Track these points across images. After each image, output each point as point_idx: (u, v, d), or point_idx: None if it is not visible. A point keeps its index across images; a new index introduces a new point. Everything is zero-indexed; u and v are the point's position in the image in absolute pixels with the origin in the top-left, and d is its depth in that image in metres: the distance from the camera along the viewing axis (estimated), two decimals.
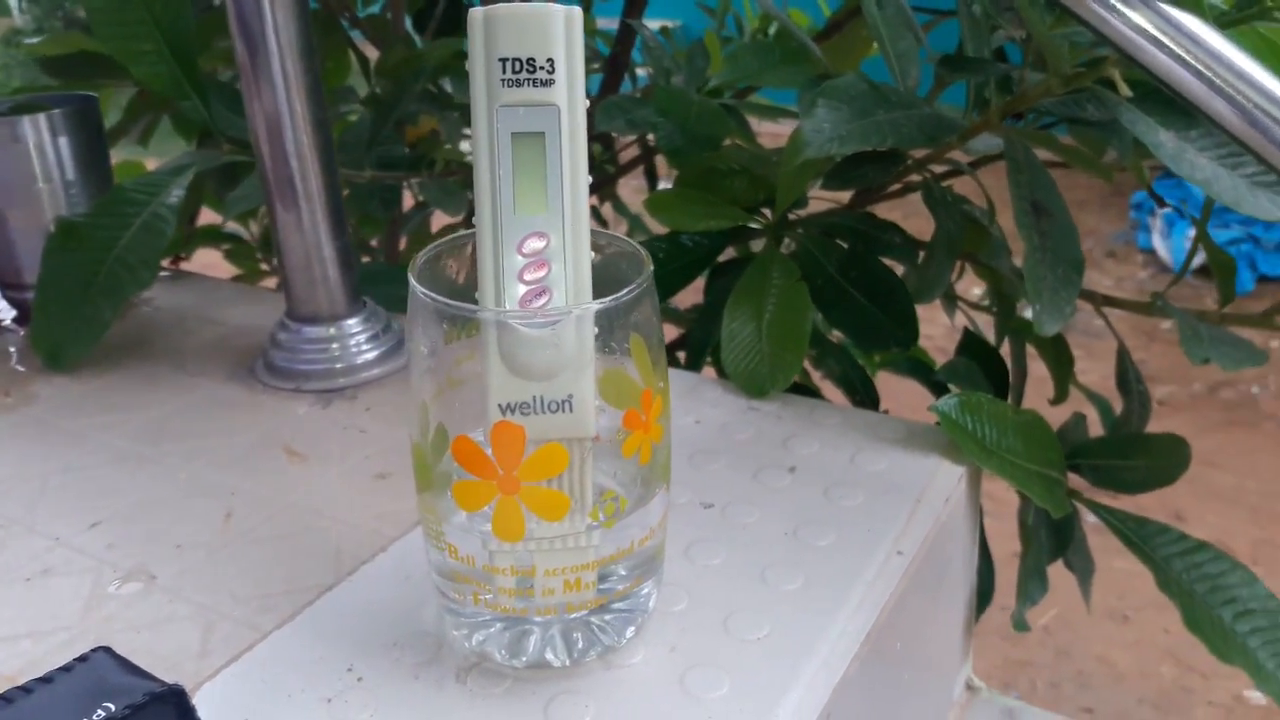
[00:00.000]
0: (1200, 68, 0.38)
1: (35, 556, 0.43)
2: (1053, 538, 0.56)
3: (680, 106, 0.67)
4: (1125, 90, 0.47)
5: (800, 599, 0.39)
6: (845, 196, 0.67)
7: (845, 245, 0.58)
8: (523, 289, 0.34)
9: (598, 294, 0.34)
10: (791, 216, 0.61)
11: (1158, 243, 2.97)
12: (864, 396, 0.60)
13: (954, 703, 0.53)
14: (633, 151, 0.95)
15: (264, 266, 1.16)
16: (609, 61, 0.83)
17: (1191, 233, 2.82)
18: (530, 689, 0.36)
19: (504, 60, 0.33)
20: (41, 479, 0.49)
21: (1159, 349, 2.51)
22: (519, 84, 0.33)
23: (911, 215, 0.65)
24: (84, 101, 0.65)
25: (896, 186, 0.65)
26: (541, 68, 0.33)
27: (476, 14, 0.33)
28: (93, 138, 0.65)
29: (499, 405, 0.34)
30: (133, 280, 0.58)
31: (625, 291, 0.33)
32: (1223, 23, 0.40)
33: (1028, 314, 0.51)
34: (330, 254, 0.56)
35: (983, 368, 0.57)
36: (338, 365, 0.57)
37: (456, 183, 0.74)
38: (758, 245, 0.62)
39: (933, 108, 0.54)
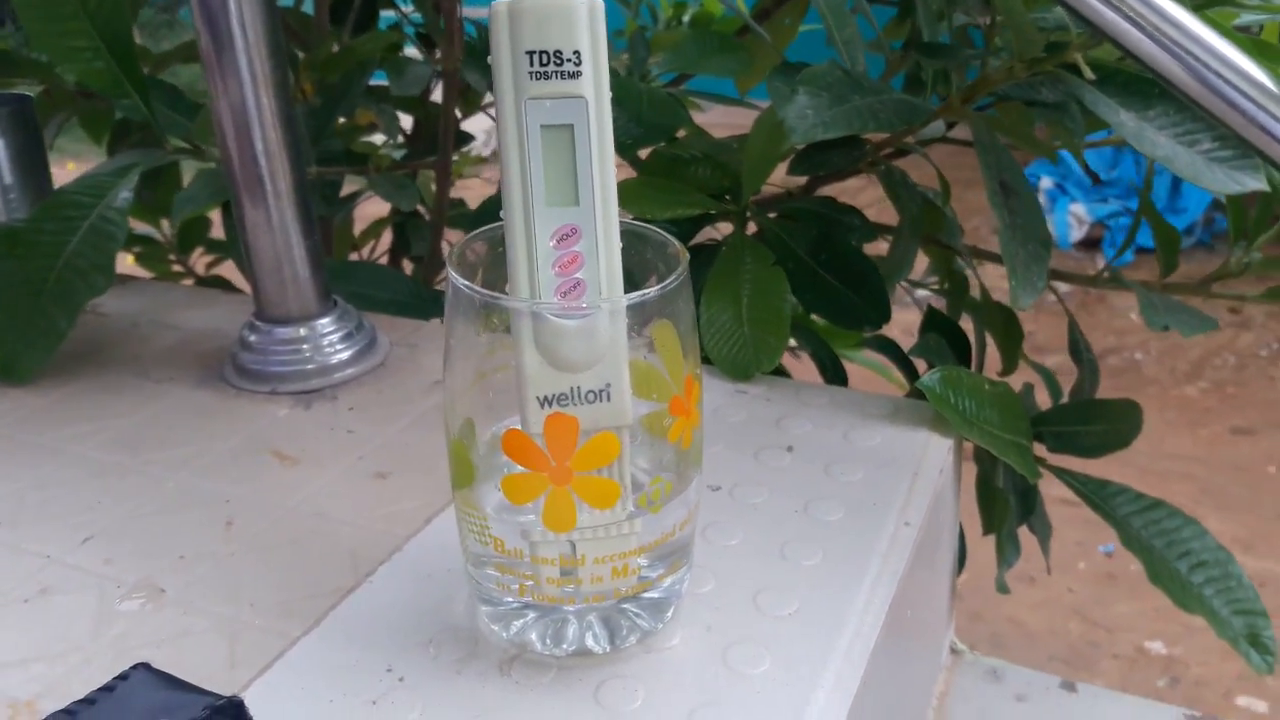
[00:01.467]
0: (1173, 45, 0.40)
1: (29, 576, 0.42)
2: (1021, 504, 0.59)
3: (633, 97, 0.67)
4: (1089, 73, 0.49)
5: (821, 574, 0.41)
6: (786, 181, 0.69)
7: (813, 229, 0.59)
8: (557, 281, 0.34)
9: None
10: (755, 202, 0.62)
11: None
12: (834, 375, 0.61)
13: (942, 666, 0.55)
14: None
15: (178, 268, 1.13)
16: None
17: (1073, 207, 2.94)
18: (576, 676, 0.36)
19: (531, 53, 0.33)
20: (18, 496, 0.47)
21: (1046, 319, 2.62)
22: (547, 76, 0.34)
23: (847, 196, 0.67)
24: (18, 102, 0.62)
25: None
26: (569, 60, 0.34)
27: (500, 7, 0.33)
28: (30, 139, 0.62)
29: (538, 398, 0.34)
30: (86, 286, 0.56)
31: (668, 281, 0.34)
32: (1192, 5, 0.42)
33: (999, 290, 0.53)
34: (301, 253, 0.55)
35: (948, 343, 0.60)
36: (312, 366, 0.56)
37: (407, 176, 0.73)
38: (715, 232, 0.63)
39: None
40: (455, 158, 0.93)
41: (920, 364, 0.65)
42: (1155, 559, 0.57)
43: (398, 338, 0.60)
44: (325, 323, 0.56)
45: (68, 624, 0.39)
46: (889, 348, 0.63)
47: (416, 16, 0.95)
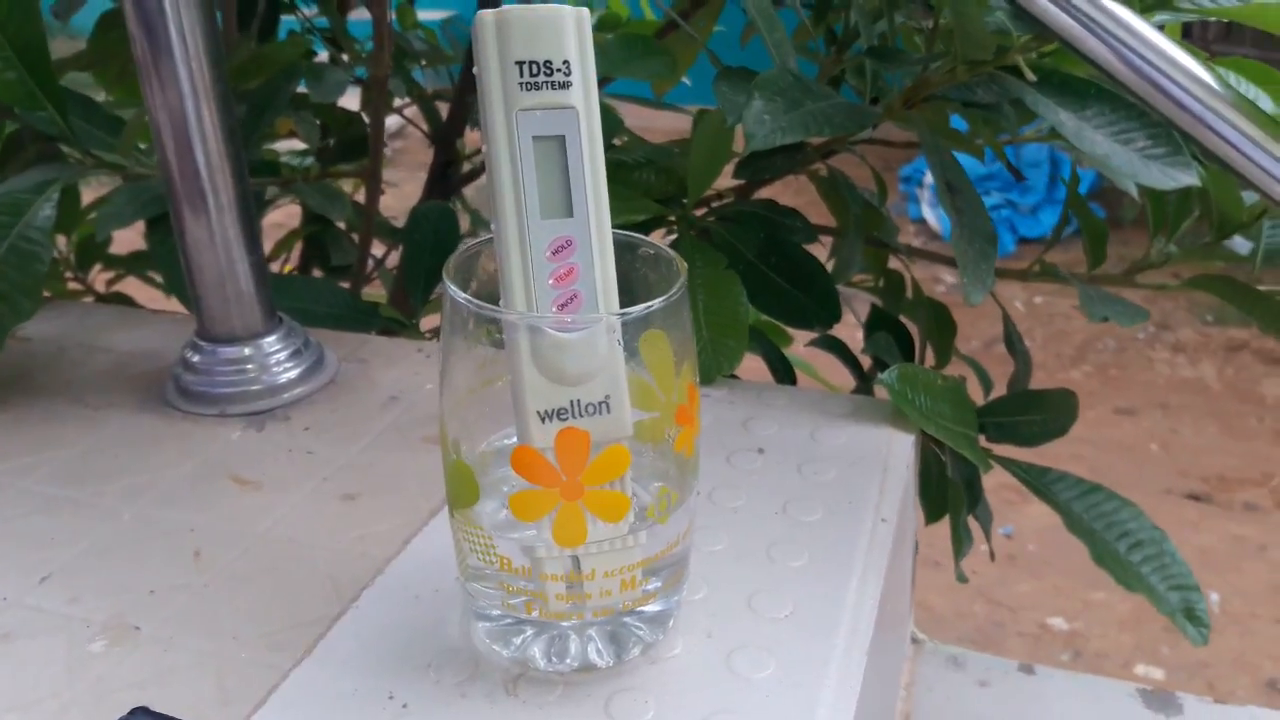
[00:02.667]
0: (1122, 47, 0.42)
1: None
2: (969, 493, 0.61)
3: None
4: (1030, 74, 0.51)
5: (810, 574, 0.41)
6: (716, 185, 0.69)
7: (759, 232, 0.60)
8: (554, 294, 0.34)
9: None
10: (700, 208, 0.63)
11: (926, 213, 3.18)
12: (784, 375, 0.62)
13: (905, 656, 0.56)
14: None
15: (75, 285, 1.08)
16: (468, 53, 0.82)
17: None
18: (584, 692, 0.36)
19: (520, 63, 0.33)
20: None
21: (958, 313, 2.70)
22: (537, 87, 0.33)
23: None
24: None
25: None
26: (559, 70, 0.33)
27: (487, 17, 0.33)
28: None
29: (538, 413, 0.33)
30: (11, 312, 0.54)
31: (672, 292, 0.34)
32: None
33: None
34: (245, 268, 0.53)
35: (895, 340, 0.61)
36: (260, 386, 0.54)
37: (335, 186, 0.72)
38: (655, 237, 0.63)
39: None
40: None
41: (865, 361, 0.66)
42: (1097, 541, 0.59)
43: (344, 353, 0.59)
44: (271, 341, 0.55)
45: (38, 670, 0.37)
46: (836, 346, 0.64)
47: (321, 21, 0.93)
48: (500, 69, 0.33)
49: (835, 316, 0.57)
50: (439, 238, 0.70)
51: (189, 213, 0.51)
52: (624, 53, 0.78)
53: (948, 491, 0.58)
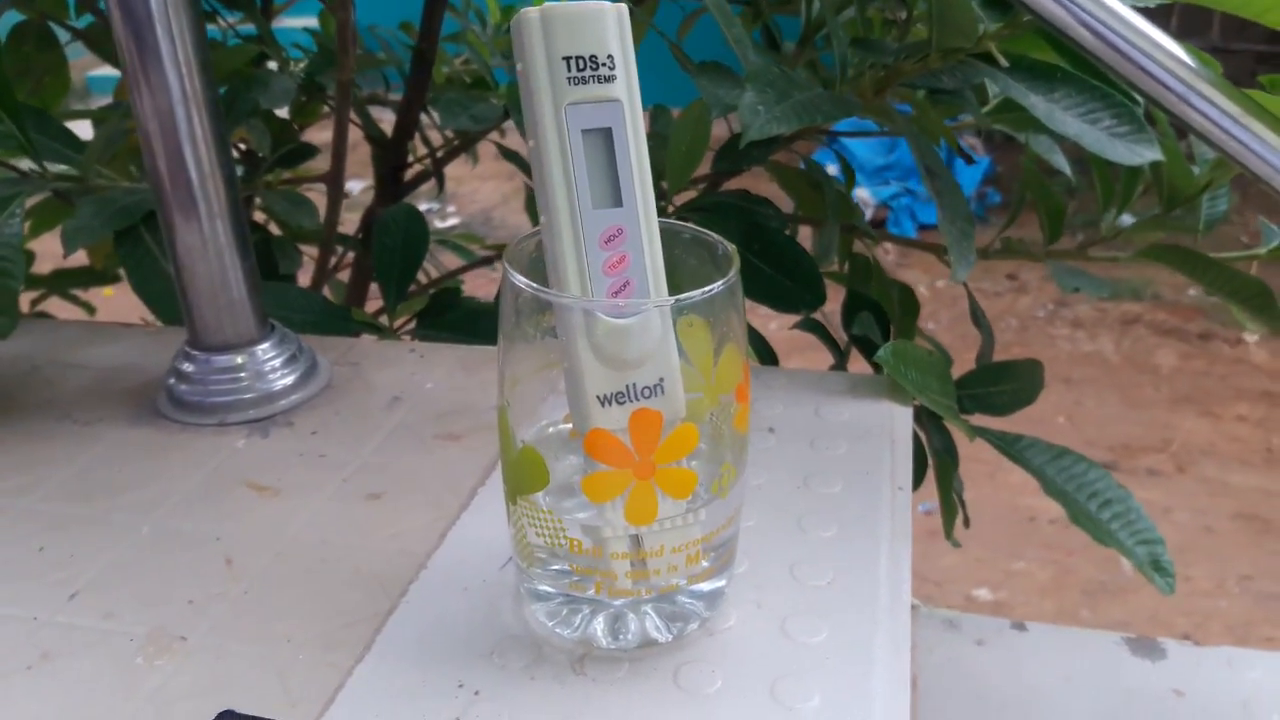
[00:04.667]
0: (1107, 31, 0.44)
1: (21, 642, 0.39)
2: (951, 462, 0.63)
3: None
4: (1003, 61, 0.53)
5: (842, 542, 0.43)
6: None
7: (739, 221, 0.61)
8: (608, 281, 0.35)
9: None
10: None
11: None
12: (767, 357, 0.64)
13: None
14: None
15: None
16: (415, 55, 0.82)
17: (857, 192, 3.11)
18: (650, 666, 0.37)
19: (568, 59, 0.34)
20: None
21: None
22: (584, 81, 0.34)
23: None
24: None
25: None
26: (604, 64, 0.34)
27: (532, 14, 0.34)
28: None
29: (597, 397, 0.34)
30: None
31: (729, 277, 0.35)
32: None
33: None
34: (238, 275, 0.53)
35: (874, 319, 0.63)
36: (257, 394, 0.53)
37: (299, 192, 0.71)
38: None
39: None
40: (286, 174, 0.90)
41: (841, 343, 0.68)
42: (1071, 502, 0.62)
43: (335, 358, 0.58)
44: (266, 348, 0.54)
45: (89, 686, 0.36)
46: (817, 328, 0.66)
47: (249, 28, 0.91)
48: (548, 65, 0.33)
49: (820, 299, 0.59)
50: (408, 240, 0.70)
51: (181, 220, 0.50)
52: None
53: (930, 461, 0.60)
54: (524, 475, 0.35)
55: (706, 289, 0.34)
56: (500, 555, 0.42)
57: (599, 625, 0.37)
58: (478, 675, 0.36)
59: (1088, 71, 0.56)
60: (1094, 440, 2.30)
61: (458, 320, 0.70)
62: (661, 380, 0.35)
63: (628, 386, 0.34)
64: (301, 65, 0.90)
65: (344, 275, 0.96)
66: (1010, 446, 0.64)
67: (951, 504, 0.60)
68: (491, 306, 0.75)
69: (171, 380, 0.53)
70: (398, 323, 0.68)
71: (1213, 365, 2.54)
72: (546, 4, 0.34)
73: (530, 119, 0.34)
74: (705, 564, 0.36)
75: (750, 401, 0.36)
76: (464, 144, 0.88)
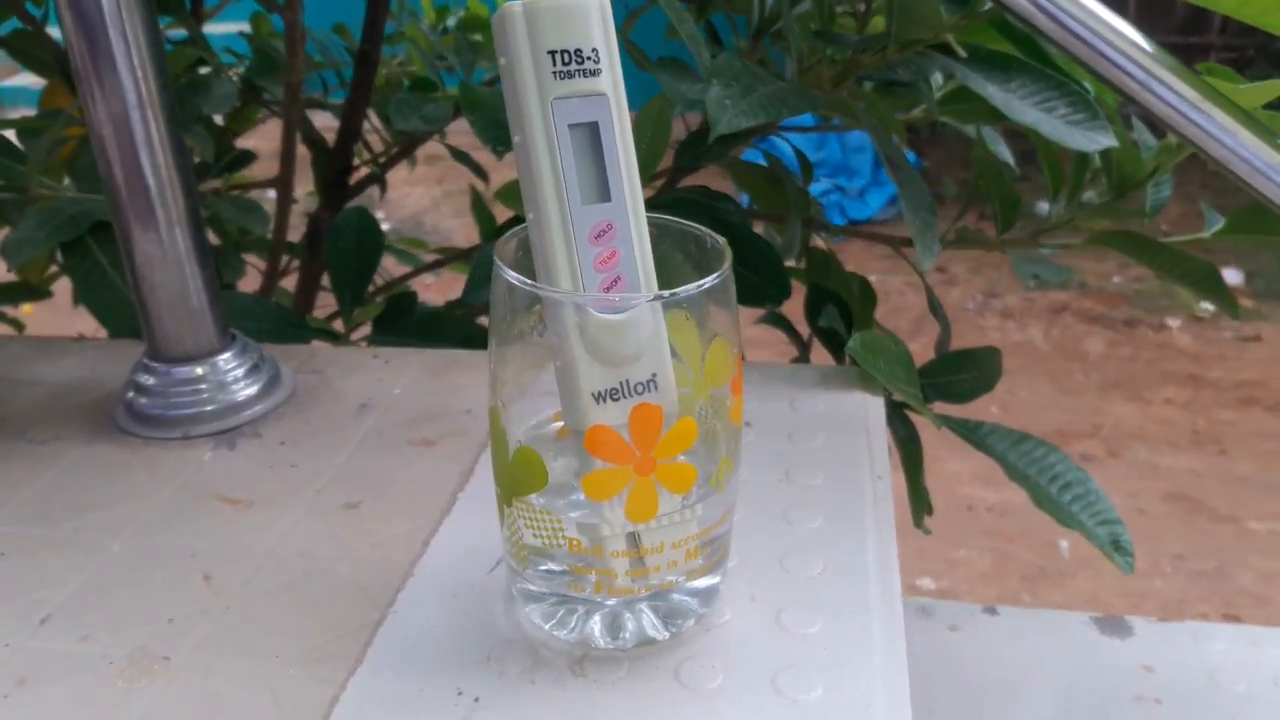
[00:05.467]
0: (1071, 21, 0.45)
1: None
2: (917, 450, 0.64)
3: (486, 102, 0.67)
4: (961, 52, 0.54)
5: (828, 533, 0.43)
6: None
7: (702, 217, 0.61)
8: (599, 277, 0.35)
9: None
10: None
11: None
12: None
13: None
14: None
15: None
16: (359, 58, 0.80)
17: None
18: (650, 665, 0.36)
19: (553, 53, 0.33)
20: None
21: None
22: (570, 75, 0.34)
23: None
24: None
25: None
26: (589, 58, 0.34)
27: (515, 8, 0.33)
28: None
29: (593, 394, 0.34)
30: None
31: (722, 270, 0.35)
32: None
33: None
34: (199, 285, 0.51)
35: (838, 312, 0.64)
36: (219, 406, 0.52)
37: (249, 199, 0.69)
38: None
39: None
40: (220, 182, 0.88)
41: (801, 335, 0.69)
42: (1033, 486, 0.64)
43: (297, 366, 0.57)
44: (228, 358, 0.53)
45: (72, 711, 0.35)
46: (781, 321, 0.66)
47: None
48: (533, 59, 0.33)
49: (786, 293, 0.59)
50: (362, 244, 0.69)
51: (139, 229, 0.49)
52: None
53: (902, 451, 0.61)
54: (521, 476, 0.35)
55: (700, 283, 0.34)
56: (488, 559, 0.41)
57: (596, 625, 0.37)
58: (476, 682, 0.36)
59: (1041, 60, 0.58)
60: (1027, 427, 2.31)
61: (416, 325, 0.69)
62: (654, 375, 0.35)
63: (622, 383, 0.34)
64: (236, 70, 0.88)
65: (285, 283, 0.94)
66: (972, 433, 0.65)
67: (920, 492, 0.61)
68: (449, 311, 0.74)
69: (130, 394, 0.52)
70: (353, 330, 0.67)
71: (1139, 351, 2.61)
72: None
73: (516, 114, 0.34)
74: (701, 560, 0.36)
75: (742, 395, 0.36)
76: (409, 146, 0.86)
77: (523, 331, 0.34)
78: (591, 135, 0.34)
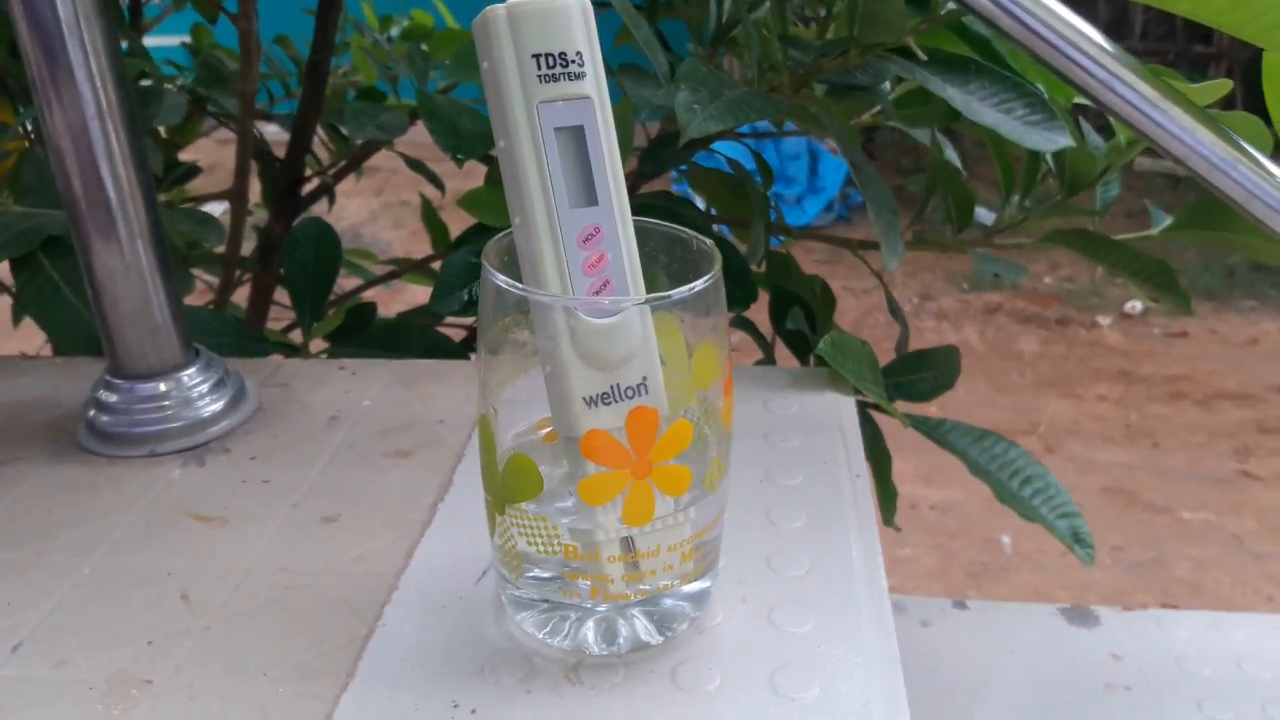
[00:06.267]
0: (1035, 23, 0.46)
1: None
2: (883, 449, 0.65)
3: (445, 110, 0.67)
4: (921, 55, 0.55)
5: (812, 532, 0.43)
6: None
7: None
8: (588, 281, 0.35)
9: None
10: None
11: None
12: None
13: None
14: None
15: None
16: (310, 68, 0.79)
17: None
18: (646, 669, 0.36)
19: (537, 56, 0.33)
20: None
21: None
22: (555, 79, 0.34)
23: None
24: None
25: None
26: (573, 61, 0.34)
27: (498, 11, 0.33)
28: None
29: (584, 399, 0.34)
30: None
31: (712, 273, 0.35)
32: None
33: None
34: (161, 299, 0.50)
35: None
36: (185, 422, 0.51)
37: (203, 211, 0.68)
38: None
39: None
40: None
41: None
42: (996, 481, 0.65)
43: (261, 380, 0.56)
44: (192, 373, 0.52)
45: None
46: (746, 324, 0.66)
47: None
48: (517, 63, 0.33)
49: (752, 296, 0.60)
50: (321, 256, 0.68)
51: (99, 243, 0.48)
52: (476, 58, 0.78)
53: (868, 449, 0.61)
54: (514, 484, 0.34)
55: (692, 285, 0.34)
56: (473, 569, 0.41)
57: (589, 632, 0.37)
58: (471, 693, 0.35)
59: (996, 63, 0.59)
60: None
61: (375, 337, 0.68)
62: (645, 379, 0.35)
63: (612, 386, 0.34)
64: (177, 82, 0.86)
65: (235, 297, 0.93)
66: (934, 431, 0.66)
67: (889, 490, 0.61)
68: (408, 321, 0.74)
69: (92, 412, 0.51)
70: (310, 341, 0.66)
71: (1072, 349, 2.67)
72: (511, 1, 0.34)
73: (500, 118, 0.33)
74: (694, 564, 0.36)
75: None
76: (360, 156, 0.85)
77: (513, 338, 0.34)
78: (577, 138, 0.34)
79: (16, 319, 0.85)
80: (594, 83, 0.34)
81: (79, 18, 0.45)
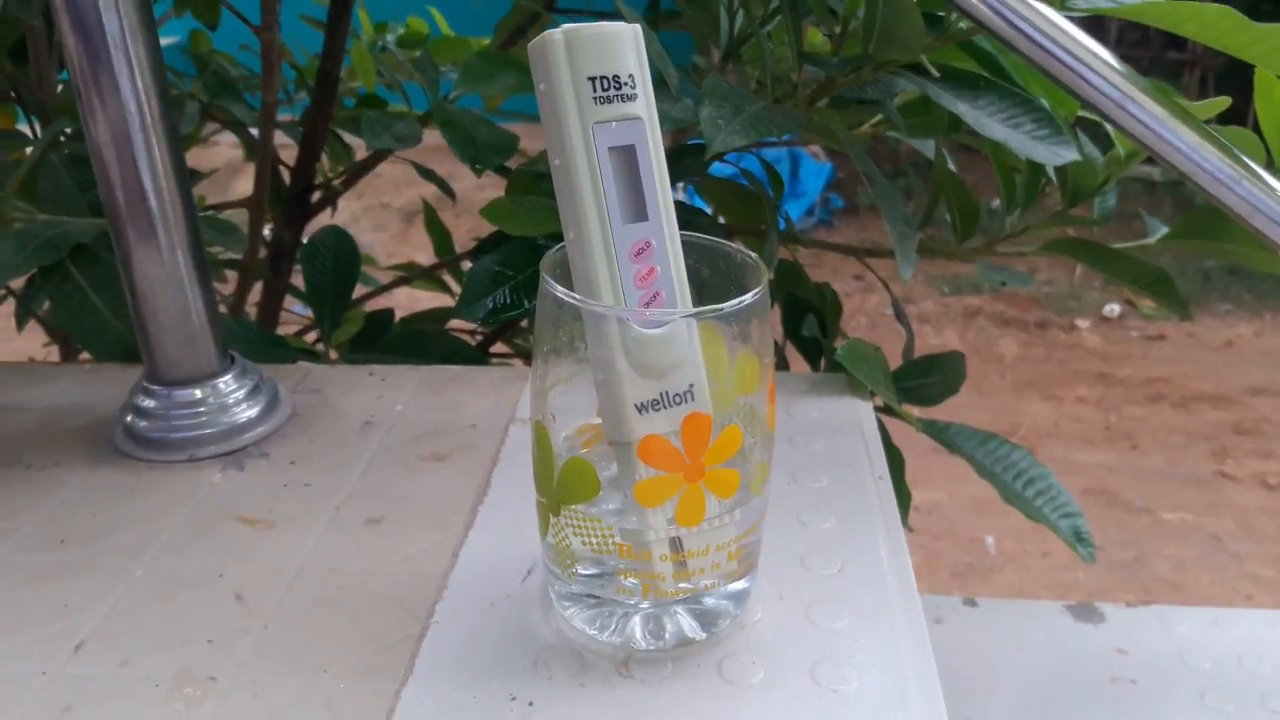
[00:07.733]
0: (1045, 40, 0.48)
1: (37, 696, 0.37)
2: (895, 453, 0.67)
3: (462, 120, 0.68)
4: (934, 72, 0.57)
5: (842, 532, 0.45)
6: None
7: None
8: (639, 293, 0.36)
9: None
10: None
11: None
12: None
13: None
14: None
15: None
16: (320, 77, 0.80)
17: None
18: (693, 663, 0.38)
19: (593, 79, 0.35)
20: None
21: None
22: (609, 100, 0.35)
23: None
24: None
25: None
26: (625, 83, 0.36)
27: (556, 35, 0.35)
28: None
29: (635, 405, 0.35)
30: None
31: (758, 289, 0.36)
32: None
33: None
34: (200, 307, 0.51)
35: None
36: (222, 427, 0.52)
37: (225, 219, 0.69)
38: None
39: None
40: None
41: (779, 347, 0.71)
42: (1001, 483, 0.67)
43: (292, 386, 0.57)
44: (229, 379, 0.53)
45: None
46: None
47: None
48: (574, 85, 0.35)
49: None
50: (340, 262, 0.69)
51: (141, 252, 0.49)
52: (486, 68, 0.80)
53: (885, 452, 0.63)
54: (572, 486, 0.36)
55: (741, 299, 0.36)
56: (519, 568, 0.43)
57: (636, 627, 0.38)
58: (527, 687, 0.37)
59: (1003, 79, 0.61)
60: None
61: (396, 342, 0.70)
62: (691, 386, 0.36)
63: (662, 393, 0.36)
64: (175, 88, 0.87)
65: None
66: (942, 434, 0.68)
67: (904, 491, 0.63)
68: (429, 327, 0.75)
69: (130, 417, 0.52)
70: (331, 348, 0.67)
71: (1051, 352, 2.71)
72: (567, 26, 0.35)
73: (557, 138, 0.35)
74: (738, 563, 0.38)
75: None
76: (369, 163, 0.87)
77: (570, 347, 0.36)
78: (629, 157, 0.36)
79: (20, 323, 0.85)
80: (644, 103, 0.36)
81: (124, 30, 0.46)
